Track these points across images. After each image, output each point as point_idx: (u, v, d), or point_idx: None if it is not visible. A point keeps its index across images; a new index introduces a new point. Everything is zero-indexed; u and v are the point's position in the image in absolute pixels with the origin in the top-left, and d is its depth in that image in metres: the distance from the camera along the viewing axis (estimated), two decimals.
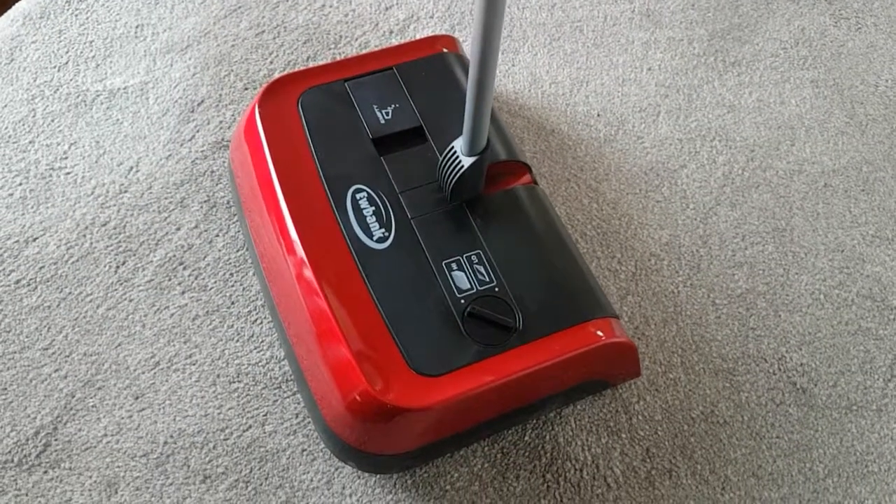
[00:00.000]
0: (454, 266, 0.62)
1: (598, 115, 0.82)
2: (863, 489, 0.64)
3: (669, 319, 0.71)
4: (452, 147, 0.63)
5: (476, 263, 0.62)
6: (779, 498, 0.64)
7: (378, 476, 0.63)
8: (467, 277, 0.62)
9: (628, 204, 0.77)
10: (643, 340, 0.70)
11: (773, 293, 0.72)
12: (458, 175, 0.63)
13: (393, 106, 0.70)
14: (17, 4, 0.89)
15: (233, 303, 0.70)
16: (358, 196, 0.65)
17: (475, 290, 0.61)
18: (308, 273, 0.61)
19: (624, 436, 0.66)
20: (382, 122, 0.69)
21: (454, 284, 0.61)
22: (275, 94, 0.70)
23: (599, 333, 0.60)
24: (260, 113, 0.68)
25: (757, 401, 0.67)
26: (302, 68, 0.77)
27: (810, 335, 0.71)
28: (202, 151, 0.78)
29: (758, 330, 0.71)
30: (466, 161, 0.62)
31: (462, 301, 0.60)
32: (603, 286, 0.72)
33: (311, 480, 0.63)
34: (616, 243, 0.74)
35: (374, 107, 0.70)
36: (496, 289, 0.61)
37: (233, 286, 0.70)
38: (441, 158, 0.64)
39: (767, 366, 0.69)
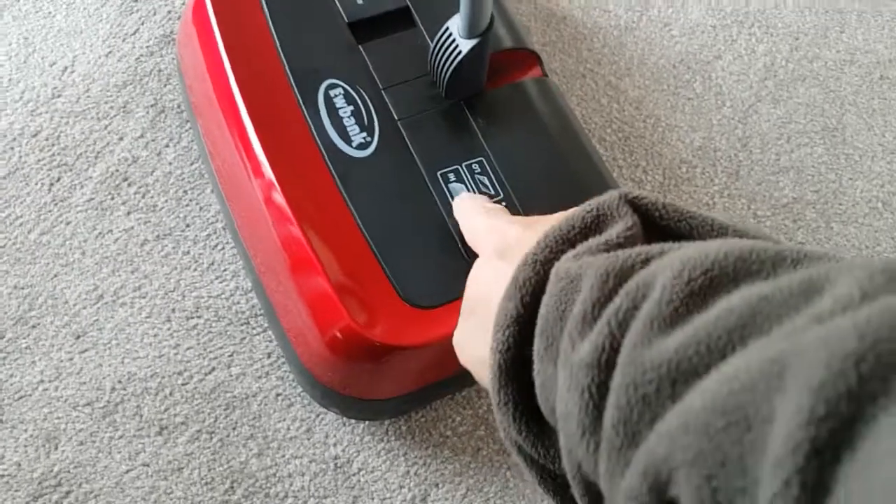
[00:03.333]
0: (451, 177, 0.51)
1: None
2: None
3: None
4: (447, 28, 0.51)
5: (478, 173, 0.52)
6: None
7: (367, 422, 0.54)
8: (468, 190, 0.51)
9: (654, 103, 0.66)
10: None
11: (823, 202, 0.62)
12: (454, 63, 0.51)
13: None
14: None
15: (188, 225, 0.59)
16: (332, 93, 0.54)
17: None
18: (274, 188, 0.50)
19: None
20: (360, 2, 0.57)
21: (452, 198, 0.51)
22: None
23: None
24: None
25: None
26: None
27: (867, 249, 0.61)
28: (147, 47, 0.66)
29: (807, 244, 0.61)
30: (465, 45, 0.50)
31: None
32: None
33: (288, 429, 0.53)
34: (641, 149, 0.64)
35: None
36: (503, 203, 0.51)
37: (187, 205, 0.60)
38: (433, 44, 0.52)
39: None
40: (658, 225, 0.30)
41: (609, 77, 0.67)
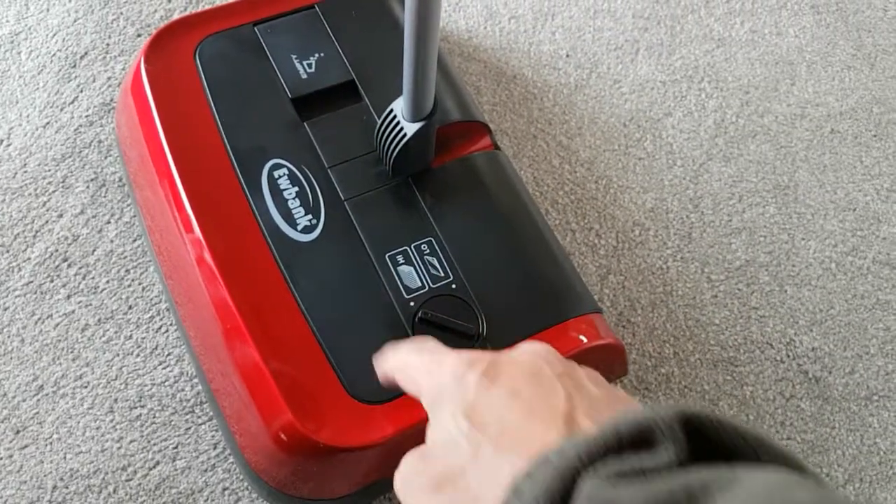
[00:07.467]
0: (400, 259, 0.50)
1: (567, 56, 0.69)
2: (888, 495, 0.55)
3: (658, 301, 0.60)
4: (391, 111, 0.50)
5: (427, 254, 0.51)
6: None
7: None
8: (417, 273, 0.50)
9: (605, 163, 0.65)
10: (629, 329, 0.59)
11: (776, 264, 0.62)
12: (400, 146, 0.50)
13: (316, 55, 0.56)
14: None
15: (130, 307, 0.57)
16: (276, 174, 0.52)
17: (427, 288, 0.49)
18: (215, 276, 0.49)
19: None
20: (304, 76, 0.55)
21: (401, 282, 0.49)
22: (166, 44, 0.56)
23: (581, 337, 0.49)
24: (147, 69, 0.54)
25: (763, 395, 0.58)
26: (200, 10, 0.62)
27: (822, 313, 0.61)
28: (87, 117, 0.63)
29: (761, 309, 0.60)
30: (410, 128, 0.49)
31: (411, 303, 0.49)
32: (579, 264, 0.61)
33: None
34: (593, 212, 0.63)
35: (293, 57, 0.56)
36: (453, 286, 0.50)
37: (129, 286, 0.58)
38: (378, 125, 0.51)
39: (774, 352, 0.59)
40: (710, 439, 0.28)
41: (560, 137, 0.66)
